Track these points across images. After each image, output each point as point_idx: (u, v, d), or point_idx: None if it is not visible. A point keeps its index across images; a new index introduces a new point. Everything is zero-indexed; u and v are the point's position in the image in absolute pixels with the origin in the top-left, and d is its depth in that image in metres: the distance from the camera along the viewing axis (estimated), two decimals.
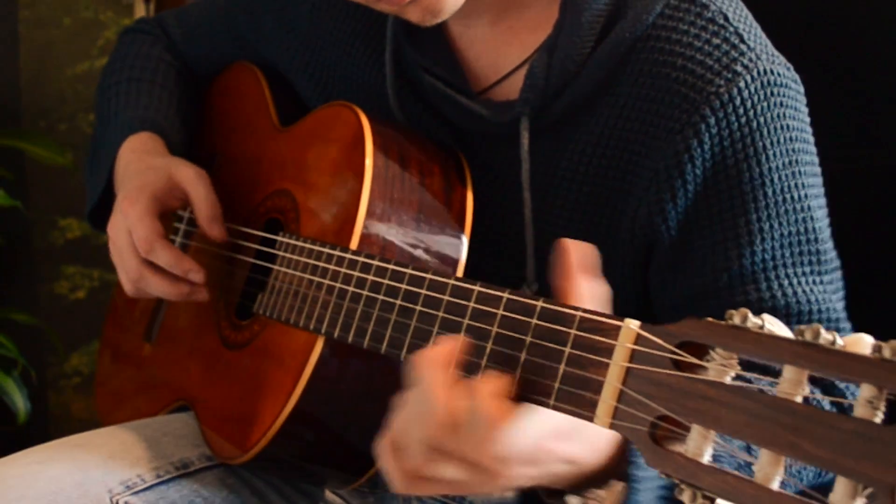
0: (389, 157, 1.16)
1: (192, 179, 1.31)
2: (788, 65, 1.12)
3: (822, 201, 1.14)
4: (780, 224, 1.09)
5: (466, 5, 1.16)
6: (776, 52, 1.13)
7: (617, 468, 0.91)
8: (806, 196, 1.10)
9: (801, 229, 1.10)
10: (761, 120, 1.08)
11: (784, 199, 1.09)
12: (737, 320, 0.68)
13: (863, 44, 1.37)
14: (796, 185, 1.10)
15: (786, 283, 1.10)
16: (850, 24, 1.38)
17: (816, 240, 1.11)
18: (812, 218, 1.11)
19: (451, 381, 0.84)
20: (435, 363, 0.85)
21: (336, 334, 1.07)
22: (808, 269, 1.11)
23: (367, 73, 1.30)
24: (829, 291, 1.12)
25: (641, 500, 0.92)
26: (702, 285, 1.10)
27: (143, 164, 1.35)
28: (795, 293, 1.10)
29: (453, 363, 0.87)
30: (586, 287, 0.86)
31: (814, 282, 1.11)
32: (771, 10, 1.33)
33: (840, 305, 1.14)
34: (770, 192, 1.08)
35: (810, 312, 1.10)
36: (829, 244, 1.13)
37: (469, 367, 0.89)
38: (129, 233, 1.27)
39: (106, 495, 1.19)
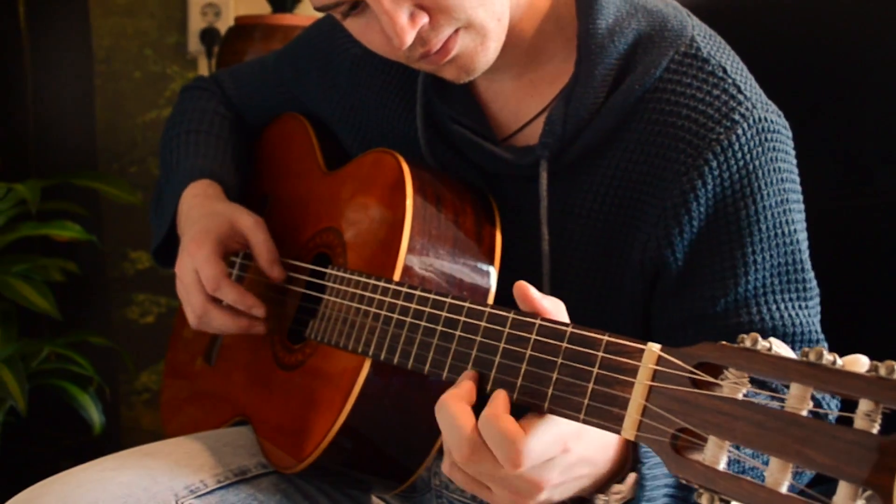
0: (427, 198, 1.16)
1: (251, 227, 1.32)
2: (779, 112, 1.14)
3: (805, 235, 1.15)
4: (772, 255, 1.10)
5: (496, 61, 1.17)
6: (769, 101, 1.14)
7: (623, 467, 0.93)
8: (794, 231, 1.12)
9: (790, 260, 1.11)
10: (756, 163, 1.09)
11: (775, 234, 1.10)
12: (748, 343, 0.69)
13: (853, 83, 1.36)
14: (786, 221, 1.11)
15: (773, 307, 1.10)
16: (841, 62, 1.37)
17: (802, 269, 1.12)
18: (799, 250, 1.12)
19: (469, 416, 0.89)
20: (454, 402, 0.91)
21: (382, 357, 1.07)
22: (794, 296, 1.12)
23: (401, 123, 1.31)
24: (812, 315, 1.13)
25: (654, 495, 0.94)
26: (700, 309, 1.11)
27: (205, 209, 1.36)
28: (782, 317, 1.11)
29: (472, 399, 0.92)
30: (551, 304, 0.92)
31: (799, 307, 1.12)
32: (766, 54, 1.34)
33: (818, 327, 1.15)
34: (763, 228, 1.09)
35: (794, 335, 1.11)
36: (811, 273, 1.14)
37: (506, 386, 0.90)
38: (195, 272, 1.28)
39: (172, 499, 1.20)
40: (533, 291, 0.91)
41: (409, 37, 1.05)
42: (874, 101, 1.35)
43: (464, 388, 0.92)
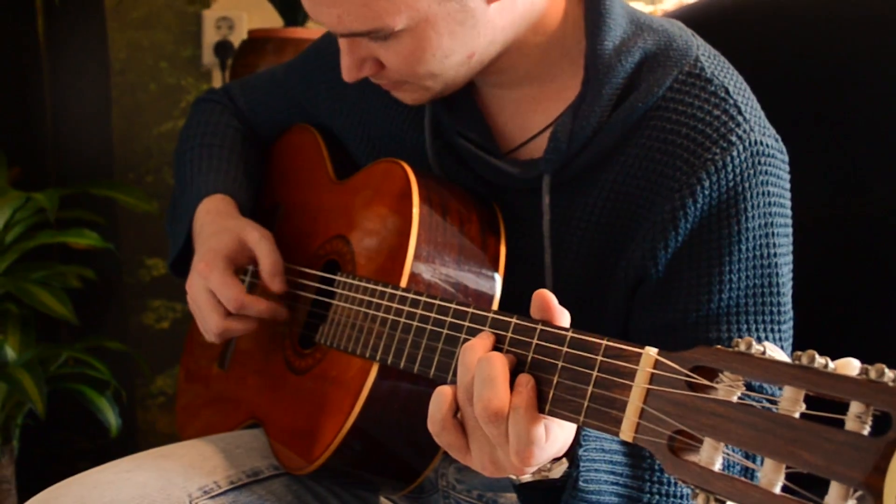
0: (433, 207, 1.17)
1: (257, 240, 1.33)
2: (777, 137, 1.14)
3: (789, 259, 1.14)
4: (748, 276, 1.10)
5: (501, 76, 1.18)
6: (768, 125, 1.14)
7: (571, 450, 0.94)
8: (775, 255, 1.11)
9: (766, 283, 1.10)
10: (746, 185, 1.09)
11: (755, 256, 1.10)
12: (742, 347, 0.69)
13: (850, 91, 1.36)
14: (767, 245, 1.10)
15: (744, 328, 1.10)
16: (838, 70, 1.37)
17: (778, 293, 1.11)
18: (777, 274, 1.11)
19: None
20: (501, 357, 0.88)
21: (389, 361, 1.08)
22: (767, 319, 1.11)
23: (409, 134, 1.31)
24: (783, 339, 1.13)
25: (591, 477, 0.95)
26: (672, 320, 1.11)
27: (216, 226, 1.36)
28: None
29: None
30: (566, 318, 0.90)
31: (771, 330, 1.11)
32: (762, 62, 1.34)
33: (788, 352, 1.14)
34: (744, 248, 1.09)
35: None
36: (788, 298, 1.14)
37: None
38: (209, 293, 1.29)
39: (186, 499, 1.20)
40: (555, 303, 0.90)
41: (353, 78, 1.16)
42: (870, 110, 1.35)
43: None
